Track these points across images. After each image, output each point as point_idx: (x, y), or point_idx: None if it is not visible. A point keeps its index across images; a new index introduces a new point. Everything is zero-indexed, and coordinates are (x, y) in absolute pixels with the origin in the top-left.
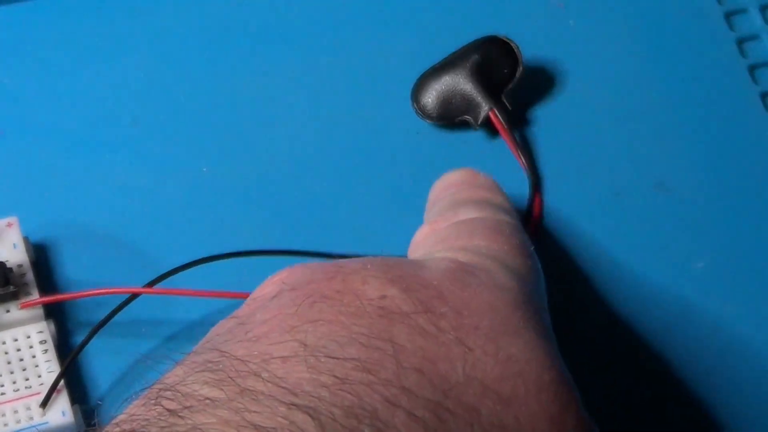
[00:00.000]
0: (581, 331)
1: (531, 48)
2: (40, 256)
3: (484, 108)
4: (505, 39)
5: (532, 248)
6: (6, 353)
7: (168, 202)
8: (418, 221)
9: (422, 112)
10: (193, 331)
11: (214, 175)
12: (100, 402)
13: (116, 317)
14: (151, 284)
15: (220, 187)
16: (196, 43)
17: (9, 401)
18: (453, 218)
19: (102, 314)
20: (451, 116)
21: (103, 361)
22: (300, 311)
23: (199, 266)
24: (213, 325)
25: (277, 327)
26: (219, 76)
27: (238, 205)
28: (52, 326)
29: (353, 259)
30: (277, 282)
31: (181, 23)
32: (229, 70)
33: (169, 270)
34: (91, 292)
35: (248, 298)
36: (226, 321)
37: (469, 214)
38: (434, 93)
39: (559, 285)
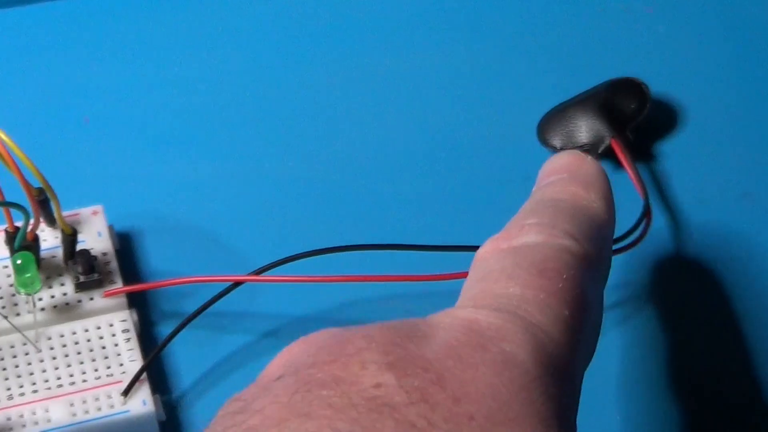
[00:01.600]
0: (675, 339)
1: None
2: (125, 245)
3: (607, 138)
4: (636, 80)
5: (594, 289)
6: (89, 341)
7: (253, 197)
8: None
9: (545, 140)
10: (280, 328)
11: (300, 171)
12: (181, 393)
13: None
14: (257, 272)
15: (305, 183)
16: (288, 39)
17: (91, 389)
18: (513, 239)
19: (185, 305)
20: (574, 145)
21: (186, 352)
22: (292, 401)
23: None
24: (301, 324)
25: (269, 419)
26: (314, 73)
27: (324, 202)
28: (135, 315)
29: (364, 327)
30: (283, 362)
31: (272, 17)
32: (326, 69)
33: (271, 263)
34: (182, 280)
35: (258, 376)
36: (232, 402)
37: (530, 237)
38: (559, 123)
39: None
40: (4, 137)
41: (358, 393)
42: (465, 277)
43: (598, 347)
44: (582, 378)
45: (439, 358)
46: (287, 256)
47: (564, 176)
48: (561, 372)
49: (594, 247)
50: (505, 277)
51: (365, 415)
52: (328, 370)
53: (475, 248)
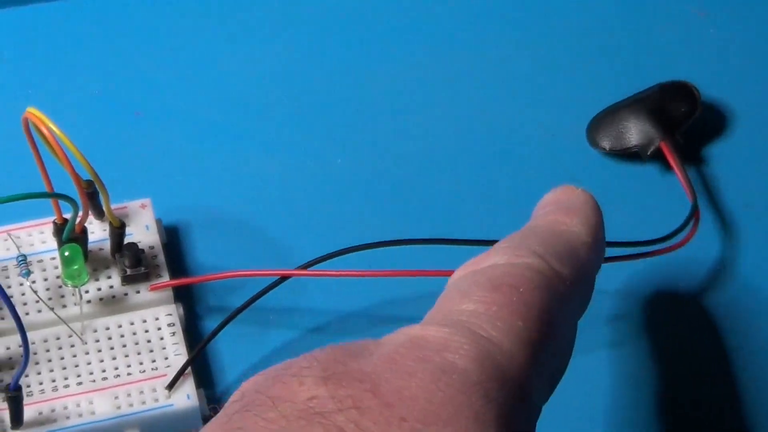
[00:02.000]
0: (729, 344)
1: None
2: (172, 238)
3: (656, 140)
4: (687, 83)
5: (562, 307)
6: (134, 334)
7: (301, 192)
8: None
9: (595, 141)
10: (327, 323)
11: (349, 166)
12: (225, 388)
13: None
14: (304, 267)
15: (354, 178)
16: (340, 35)
17: (135, 382)
18: (481, 262)
19: (231, 299)
20: (623, 147)
21: (231, 347)
22: (230, 421)
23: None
24: (347, 319)
25: None
26: (364, 69)
27: (372, 197)
28: (181, 309)
29: (312, 351)
30: (236, 393)
31: (325, 13)
32: (377, 65)
33: (319, 257)
34: (229, 274)
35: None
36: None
37: (495, 258)
38: (609, 125)
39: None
40: (54, 129)
41: (292, 406)
42: None
43: (649, 351)
44: (545, 395)
45: (377, 370)
46: (334, 250)
47: (550, 208)
48: (511, 381)
49: (567, 268)
50: (460, 295)
51: (294, 423)
52: (269, 391)
53: None
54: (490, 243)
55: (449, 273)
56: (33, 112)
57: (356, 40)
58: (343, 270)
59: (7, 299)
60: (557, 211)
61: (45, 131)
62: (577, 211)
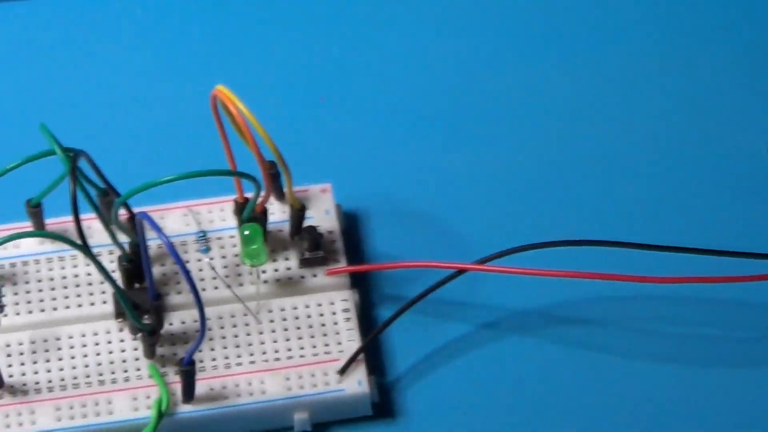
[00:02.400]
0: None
1: None
2: (351, 224)
3: None
4: None
5: None
6: (309, 317)
7: (482, 186)
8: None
9: None
10: (501, 320)
11: (532, 164)
12: (396, 377)
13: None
14: (480, 262)
15: (537, 177)
16: (528, 35)
17: (307, 364)
18: None
19: (406, 289)
20: None
21: (404, 337)
22: None
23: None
24: (522, 317)
25: None
26: (552, 69)
27: (554, 196)
28: (356, 296)
29: None
30: None
31: (514, 12)
32: (565, 66)
33: (497, 253)
34: (406, 264)
35: None
36: None
37: None
38: None
39: None
40: (242, 108)
41: None
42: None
43: None
44: None
45: None
46: (513, 246)
47: None
48: None
49: None
50: None
51: None
52: None
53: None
54: (670, 249)
55: (632, 278)
56: (222, 90)
57: (545, 35)
58: (521, 267)
59: (188, 274)
60: None
61: (233, 110)
62: None
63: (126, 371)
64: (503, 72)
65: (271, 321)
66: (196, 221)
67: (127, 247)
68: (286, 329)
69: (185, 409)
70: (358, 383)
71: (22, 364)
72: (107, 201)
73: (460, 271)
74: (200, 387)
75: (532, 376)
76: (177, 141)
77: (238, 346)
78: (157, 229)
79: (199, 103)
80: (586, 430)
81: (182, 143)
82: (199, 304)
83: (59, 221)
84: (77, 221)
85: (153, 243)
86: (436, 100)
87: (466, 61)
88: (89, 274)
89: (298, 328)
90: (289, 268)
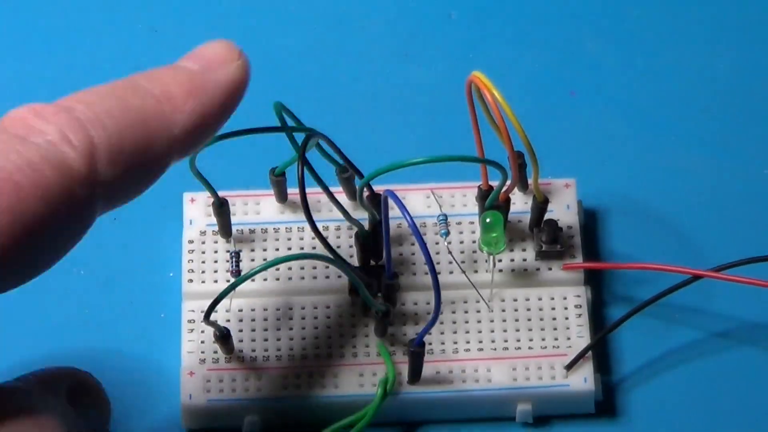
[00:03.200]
0: None
1: None
2: (590, 221)
3: None
4: None
5: None
6: (540, 310)
7: (725, 194)
8: None
9: None
10: (733, 330)
11: None
12: (621, 378)
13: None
14: (717, 269)
15: None
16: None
17: (535, 356)
18: None
19: (639, 291)
20: None
21: (633, 338)
22: None
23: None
24: (756, 329)
25: None
26: None
27: None
28: (590, 293)
29: None
30: None
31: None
32: None
33: (735, 261)
34: (642, 266)
35: None
36: None
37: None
38: None
39: None
40: (498, 96)
41: None
42: None
43: None
44: None
45: None
46: (753, 256)
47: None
48: None
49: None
50: None
51: None
52: None
53: None
54: None
55: None
56: (479, 76)
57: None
58: (759, 279)
59: (428, 255)
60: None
61: (488, 96)
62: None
63: (355, 347)
64: (759, 73)
65: (503, 310)
66: (438, 204)
67: (366, 224)
68: (516, 320)
69: (410, 390)
70: (584, 380)
71: (253, 330)
72: (345, 177)
73: (696, 277)
74: (427, 369)
75: (758, 390)
76: (419, 124)
77: (467, 332)
78: (402, 207)
79: (453, 87)
80: None
81: (426, 127)
82: (436, 286)
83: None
84: (304, 199)
85: (391, 222)
86: (685, 100)
87: (720, 59)
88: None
89: (529, 319)
90: (525, 260)
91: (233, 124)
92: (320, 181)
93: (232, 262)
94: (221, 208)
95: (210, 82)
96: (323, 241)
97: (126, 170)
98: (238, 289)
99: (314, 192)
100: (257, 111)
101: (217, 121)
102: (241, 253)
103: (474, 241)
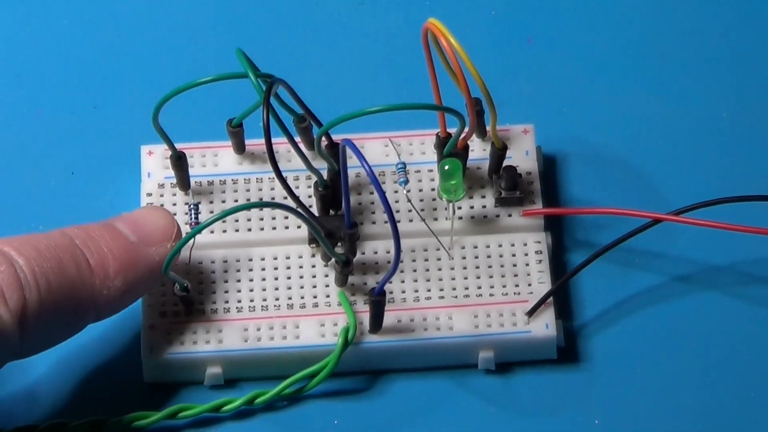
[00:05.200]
0: None
1: None
2: (548, 167)
3: None
4: None
5: None
6: (501, 256)
7: (682, 137)
8: None
9: None
10: (693, 273)
11: (737, 117)
12: (583, 323)
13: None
14: (676, 213)
15: (735, 132)
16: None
17: (496, 303)
18: None
19: (599, 236)
20: None
21: (593, 283)
22: None
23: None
24: (715, 272)
25: None
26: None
27: (752, 150)
28: (550, 239)
29: None
30: None
31: None
32: None
33: (693, 204)
34: (602, 210)
35: None
36: None
37: None
38: None
39: None
40: (454, 42)
41: None
42: None
43: None
44: None
45: None
46: (712, 198)
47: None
48: None
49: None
50: None
51: None
52: None
53: None
54: None
55: None
56: (434, 23)
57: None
58: (718, 221)
59: (387, 203)
60: None
61: (444, 43)
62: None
63: (315, 297)
64: (717, 18)
65: (463, 258)
66: (397, 152)
67: (324, 174)
68: (477, 267)
69: (371, 339)
70: (545, 326)
71: (213, 282)
72: (303, 127)
73: (655, 221)
74: (388, 318)
75: (719, 332)
76: (376, 72)
77: (428, 281)
78: (360, 156)
79: (408, 35)
80: None
81: (383, 75)
82: (396, 234)
83: (259, 143)
84: (269, 147)
85: (350, 172)
86: (643, 46)
87: (677, 5)
88: (286, 198)
89: (490, 266)
90: (484, 206)
91: (191, 74)
92: (285, 129)
93: (191, 215)
94: (179, 161)
95: (142, 260)
96: (287, 188)
97: (47, 330)
98: (197, 242)
99: (273, 143)
100: (209, 61)
101: (137, 297)
102: (199, 205)
103: (433, 189)
